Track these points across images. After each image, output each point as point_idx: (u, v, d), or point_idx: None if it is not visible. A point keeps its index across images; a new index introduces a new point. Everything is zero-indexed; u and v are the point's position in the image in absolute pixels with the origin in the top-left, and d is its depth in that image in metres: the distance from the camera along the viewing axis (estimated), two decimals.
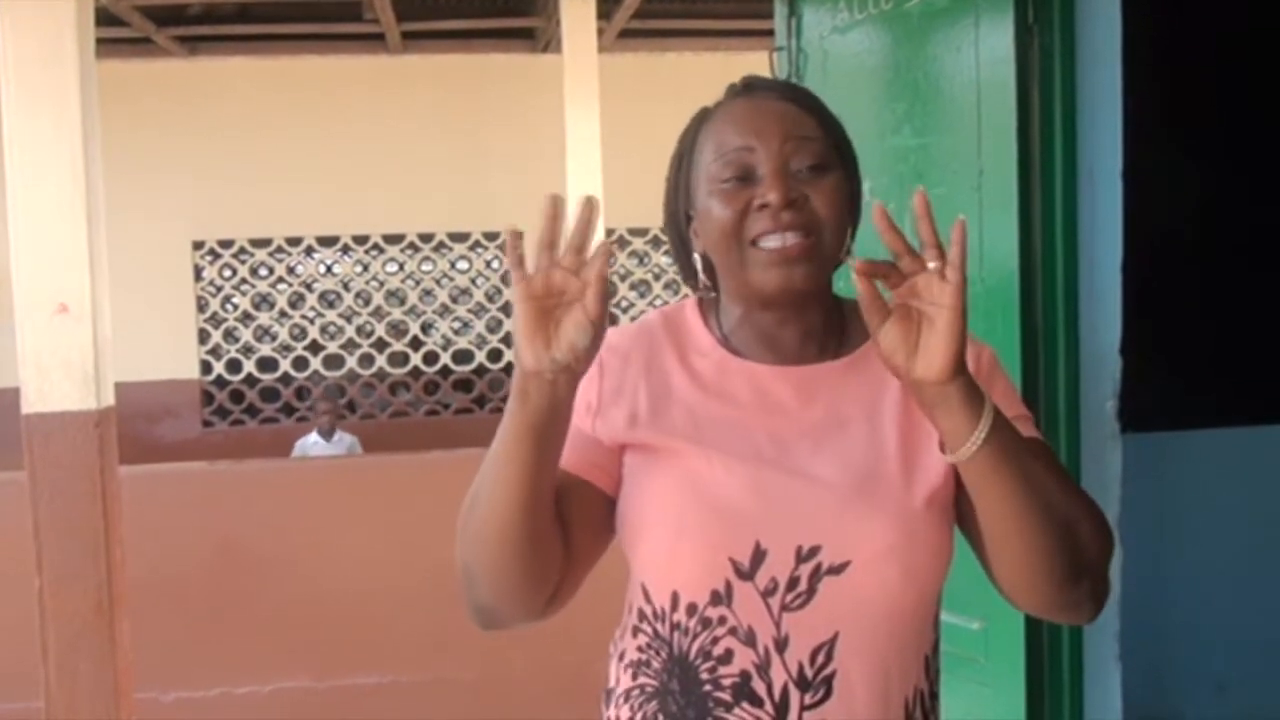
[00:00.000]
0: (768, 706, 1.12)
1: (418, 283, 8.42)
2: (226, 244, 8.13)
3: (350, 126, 7.92)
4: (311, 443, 6.67)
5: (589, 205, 1.03)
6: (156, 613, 3.86)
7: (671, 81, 6.92)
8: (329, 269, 8.41)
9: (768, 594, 1.12)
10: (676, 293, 8.32)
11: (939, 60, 2.25)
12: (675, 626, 1.15)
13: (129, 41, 7.21)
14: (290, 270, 8.31)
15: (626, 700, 1.20)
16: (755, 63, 2.60)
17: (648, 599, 1.18)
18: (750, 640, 1.12)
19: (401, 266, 8.40)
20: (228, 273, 8.21)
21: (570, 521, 1.15)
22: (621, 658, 1.22)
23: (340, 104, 7.94)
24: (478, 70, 8.01)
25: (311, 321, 8.34)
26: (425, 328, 8.47)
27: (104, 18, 5.34)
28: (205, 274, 8.19)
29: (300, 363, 8.33)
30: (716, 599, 1.13)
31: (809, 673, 1.12)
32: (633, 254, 8.54)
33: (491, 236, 8.36)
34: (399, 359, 8.47)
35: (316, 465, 5.49)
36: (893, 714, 1.15)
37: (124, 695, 3.10)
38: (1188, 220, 2.08)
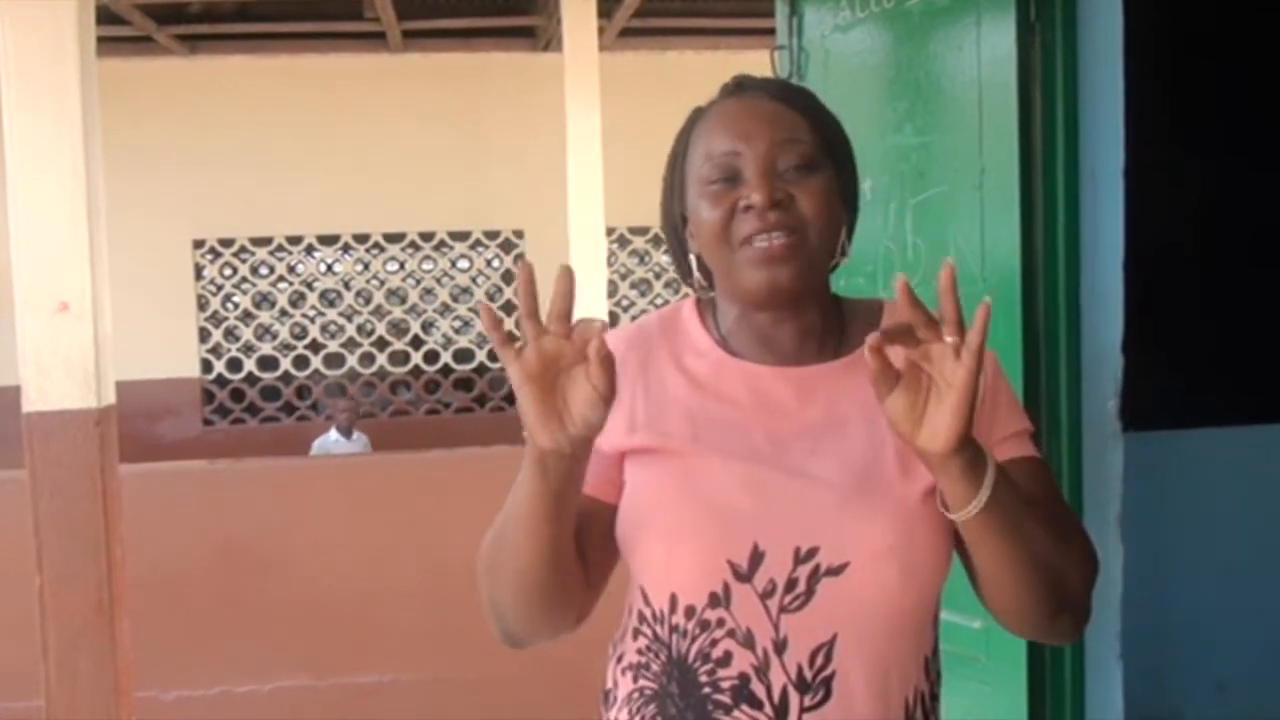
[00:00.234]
0: (767, 709, 1.12)
1: (418, 281, 8.41)
2: (227, 242, 8.14)
3: (351, 125, 7.92)
4: (333, 441, 6.73)
5: (566, 276, 1.03)
6: (157, 611, 3.86)
7: (672, 80, 6.92)
8: (330, 267, 8.41)
9: (766, 596, 1.12)
10: (677, 291, 8.32)
11: (940, 59, 2.24)
12: (674, 629, 1.15)
13: (129, 40, 7.21)
14: (291, 269, 8.31)
15: (626, 703, 1.20)
16: (756, 61, 2.60)
17: (646, 601, 1.18)
18: (749, 642, 1.12)
19: (402, 265, 8.40)
20: (228, 271, 8.21)
21: (588, 540, 1.16)
22: (620, 660, 1.22)
23: (341, 102, 7.94)
24: (478, 69, 8.01)
25: (312, 320, 8.34)
26: (426, 326, 8.47)
27: (105, 16, 5.34)
28: (206, 272, 8.19)
29: (301, 361, 8.33)
30: (715, 601, 1.13)
31: (808, 674, 1.12)
32: (633, 253, 8.54)
33: (492, 235, 8.36)
34: (400, 358, 8.47)
35: (317, 464, 5.50)
36: (892, 715, 1.14)
37: (124, 694, 3.10)
38: (1189, 219, 2.07)
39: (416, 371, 8.47)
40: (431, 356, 8.46)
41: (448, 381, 8.48)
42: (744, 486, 1.14)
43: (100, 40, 3.21)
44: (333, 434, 6.79)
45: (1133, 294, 2.03)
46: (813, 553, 1.12)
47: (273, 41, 7.55)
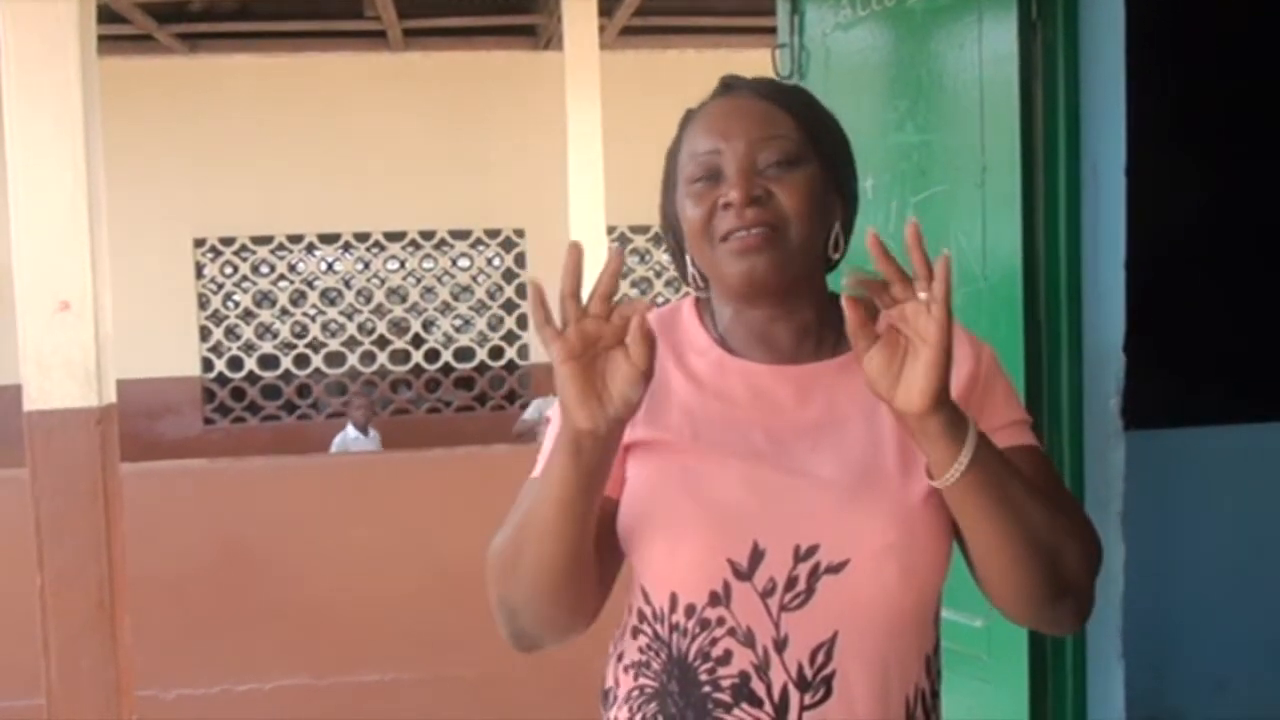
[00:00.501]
0: (767, 707, 1.12)
1: (419, 280, 8.42)
2: (228, 241, 8.14)
3: (352, 124, 7.92)
4: (352, 438, 6.77)
5: (618, 255, 1.02)
6: (157, 610, 3.86)
7: (673, 79, 6.91)
8: (330, 266, 8.41)
9: (766, 594, 1.12)
10: (678, 290, 8.32)
11: (942, 57, 2.24)
12: (674, 628, 1.15)
13: (130, 38, 7.21)
14: (291, 267, 8.31)
15: (626, 701, 1.20)
16: (757, 60, 2.60)
17: (647, 600, 1.18)
18: (749, 641, 1.12)
19: (403, 264, 8.40)
20: (229, 270, 8.21)
21: (599, 538, 1.15)
22: (621, 659, 1.22)
23: (342, 101, 7.94)
24: (479, 67, 8.01)
25: (313, 319, 8.34)
26: (427, 325, 8.47)
27: (105, 14, 5.34)
28: (206, 271, 8.19)
29: (301, 360, 8.33)
30: (715, 600, 1.13)
31: (808, 673, 1.12)
32: (634, 251, 8.54)
33: (493, 234, 8.36)
34: (400, 356, 8.47)
35: (318, 463, 5.49)
36: (893, 713, 1.14)
37: (125, 693, 3.11)
38: (1191, 217, 2.07)
39: (417, 370, 8.47)
40: (432, 355, 8.46)
41: (448, 380, 8.48)
42: (743, 485, 1.14)
43: (101, 39, 3.21)
44: (350, 431, 6.83)
45: (1134, 292, 2.03)
46: (813, 551, 1.11)
47: (273, 40, 7.56)
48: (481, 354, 8.49)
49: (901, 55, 2.34)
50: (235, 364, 8.25)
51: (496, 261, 8.46)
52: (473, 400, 8.49)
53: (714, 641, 1.13)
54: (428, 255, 8.38)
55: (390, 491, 4.50)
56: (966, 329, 1.24)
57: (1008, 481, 1.08)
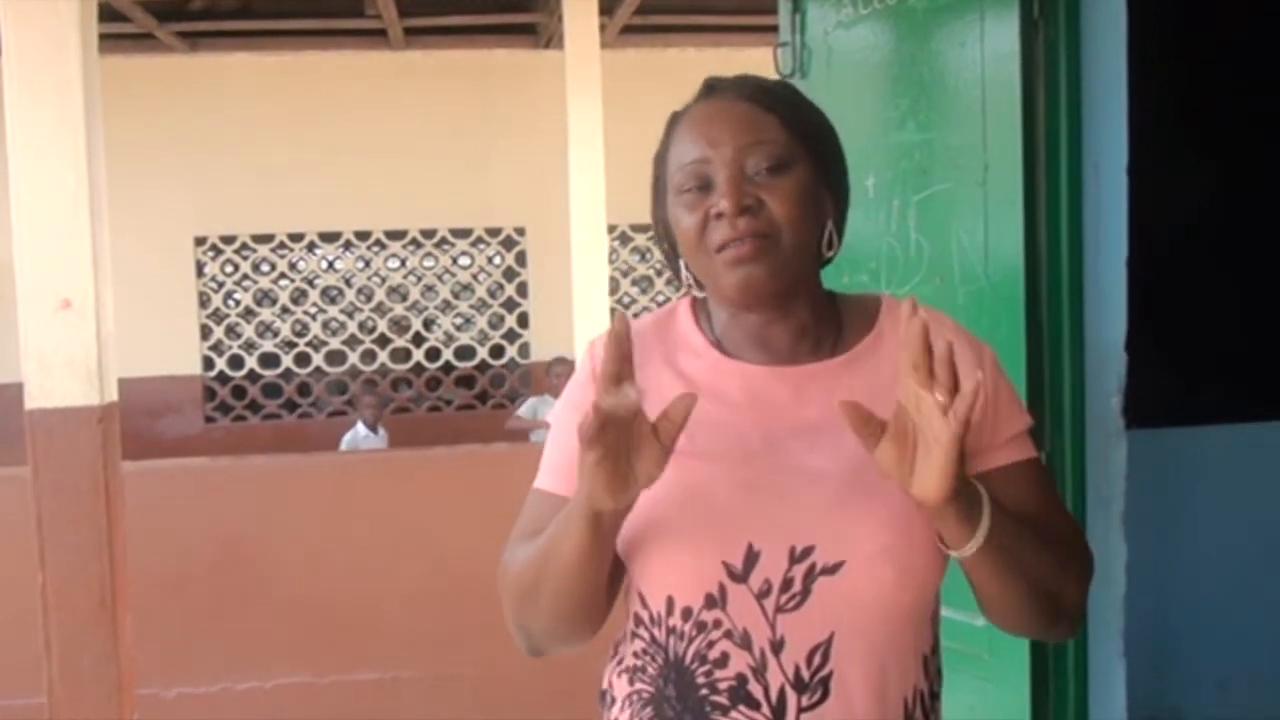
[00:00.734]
0: (765, 709, 1.11)
1: (420, 279, 8.42)
2: (229, 240, 8.14)
3: (352, 122, 7.92)
4: (363, 435, 6.77)
5: (625, 340, 1.03)
6: (158, 608, 3.86)
7: (674, 77, 6.89)
8: (331, 265, 8.41)
9: (762, 596, 1.12)
10: (678, 288, 8.31)
11: (943, 55, 2.24)
12: (671, 631, 1.15)
13: (131, 37, 7.21)
14: (292, 266, 8.31)
15: (624, 705, 1.20)
16: (758, 58, 2.60)
17: (644, 604, 1.18)
18: (746, 643, 1.12)
19: (403, 262, 8.40)
20: (230, 268, 8.21)
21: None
22: (620, 662, 1.22)
23: (342, 100, 7.94)
24: (480, 66, 8.01)
25: (313, 317, 8.34)
26: (427, 324, 8.47)
27: (106, 13, 5.34)
28: (207, 270, 8.19)
29: (302, 359, 8.34)
30: (711, 602, 1.12)
31: (805, 674, 1.12)
32: (635, 249, 8.54)
33: (494, 232, 8.36)
34: (401, 355, 8.47)
35: (318, 461, 5.49)
36: (891, 714, 1.14)
37: (126, 691, 3.11)
38: (1193, 216, 2.07)
39: (418, 369, 8.47)
40: (433, 353, 8.46)
41: (449, 379, 8.48)
42: (738, 487, 1.14)
43: (102, 37, 3.21)
44: (360, 429, 6.83)
45: (1136, 291, 2.03)
46: (808, 552, 1.11)
47: (274, 39, 7.55)
48: (482, 352, 8.49)
49: (903, 53, 2.34)
50: (236, 362, 8.25)
51: (497, 260, 8.46)
52: (474, 399, 8.49)
53: (711, 644, 1.13)
54: (428, 253, 8.38)
55: (391, 490, 4.50)
56: (965, 329, 1.24)
57: (1018, 542, 1.11)
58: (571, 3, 6.29)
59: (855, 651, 1.12)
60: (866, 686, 1.13)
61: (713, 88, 1.22)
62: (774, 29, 2.71)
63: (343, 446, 6.79)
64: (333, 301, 8.37)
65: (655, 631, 1.16)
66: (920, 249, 2.30)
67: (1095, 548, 2.08)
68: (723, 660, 1.12)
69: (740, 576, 1.12)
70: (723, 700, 1.12)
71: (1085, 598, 1.20)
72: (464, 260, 8.44)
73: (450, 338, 8.48)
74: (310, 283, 8.34)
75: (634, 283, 8.61)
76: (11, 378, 3.39)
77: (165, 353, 7.93)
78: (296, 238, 8.20)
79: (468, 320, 8.51)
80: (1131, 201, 2.02)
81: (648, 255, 8.57)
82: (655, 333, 1.25)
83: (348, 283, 8.37)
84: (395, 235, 8.29)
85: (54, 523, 3.01)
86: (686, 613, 1.14)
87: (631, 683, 1.19)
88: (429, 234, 8.30)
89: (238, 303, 8.26)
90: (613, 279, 8.03)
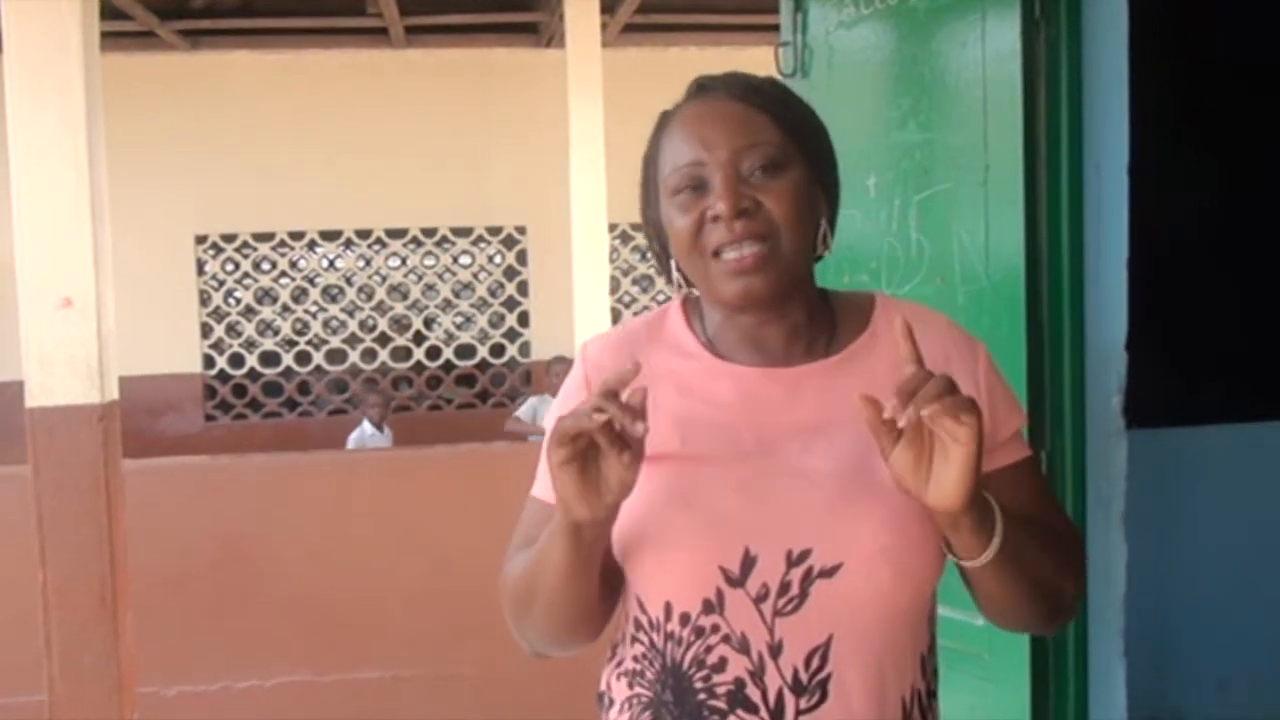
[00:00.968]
0: (763, 713, 1.11)
1: (420, 277, 8.42)
2: (229, 238, 8.14)
3: (353, 121, 7.92)
4: (369, 434, 6.78)
5: (637, 368, 1.04)
6: (159, 607, 3.86)
7: (675, 76, 6.86)
8: (331, 263, 8.41)
9: (759, 600, 1.11)
10: (680, 287, 8.29)
11: (945, 55, 2.24)
12: (669, 636, 1.15)
13: (132, 35, 7.21)
14: (293, 264, 8.31)
15: (622, 708, 1.20)
16: (760, 57, 2.60)
17: (642, 609, 1.18)
18: (744, 647, 1.12)
19: (404, 261, 8.40)
20: (230, 267, 8.21)
21: (605, 557, 1.16)
22: (619, 665, 1.22)
23: (343, 98, 7.94)
24: (481, 65, 8.00)
25: (314, 316, 8.34)
26: (428, 322, 8.47)
27: (107, 11, 5.34)
28: (208, 268, 8.19)
29: (303, 357, 8.34)
30: (709, 608, 1.12)
31: (804, 677, 1.11)
32: (635, 249, 8.54)
33: (495, 231, 8.35)
34: (401, 354, 8.47)
35: (319, 459, 5.49)
36: (889, 714, 1.14)
37: (127, 689, 3.11)
38: (1194, 216, 2.07)
39: (419, 367, 8.47)
40: (434, 352, 8.47)
41: (449, 377, 8.48)
42: (734, 491, 1.13)
43: (103, 35, 3.21)
44: (367, 427, 6.84)
45: (1137, 291, 2.03)
46: (805, 555, 1.11)
47: (275, 37, 7.55)
48: (483, 351, 8.49)
49: (904, 53, 2.34)
50: (237, 361, 8.25)
51: (498, 259, 8.46)
52: (474, 397, 8.49)
53: (709, 649, 1.13)
54: (429, 252, 8.38)
55: (392, 489, 4.50)
56: (958, 327, 1.24)
57: (1025, 548, 1.11)
58: (573, 2, 6.29)
59: (853, 653, 1.12)
60: (865, 688, 1.12)
61: (703, 87, 1.21)
62: (775, 28, 2.71)
63: (349, 446, 6.80)
64: (333, 300, 8.37)
65: (654, 636, 1.16)
66: (921, 249, 2.30)
67: (1095, 548, 2.10)
68: (721, 665, 1.12)
69: (738, 581, 1.11)
70: (721, 705, 1.12)
71: (1082, 592, 1.22)
72: (465, 259, 8.44)
73: (451, 336, 8.48)
74: (311, 281, 8.34)
75: (634, 281, 8.61)
76: (12, 376, 3.39)
77: (166, 351, 7.93)
78: (297, 236, 8.20)
79: (468, 319, 8.51)
80: (1132, 201, 2.02)
81: (648, 254, 8.55)
82: (648, 335, 1.24)
83: (348, 281, 8.37)
84: (396, 234, 8.29)
85: (55, 521, 3.01)
86: (684, 618, 1.14)
87: (631, 686, 1.19)
88: (430, 232, 8.30)
89: (238, 301, 8.26)
90: (613, 278, 8.03)
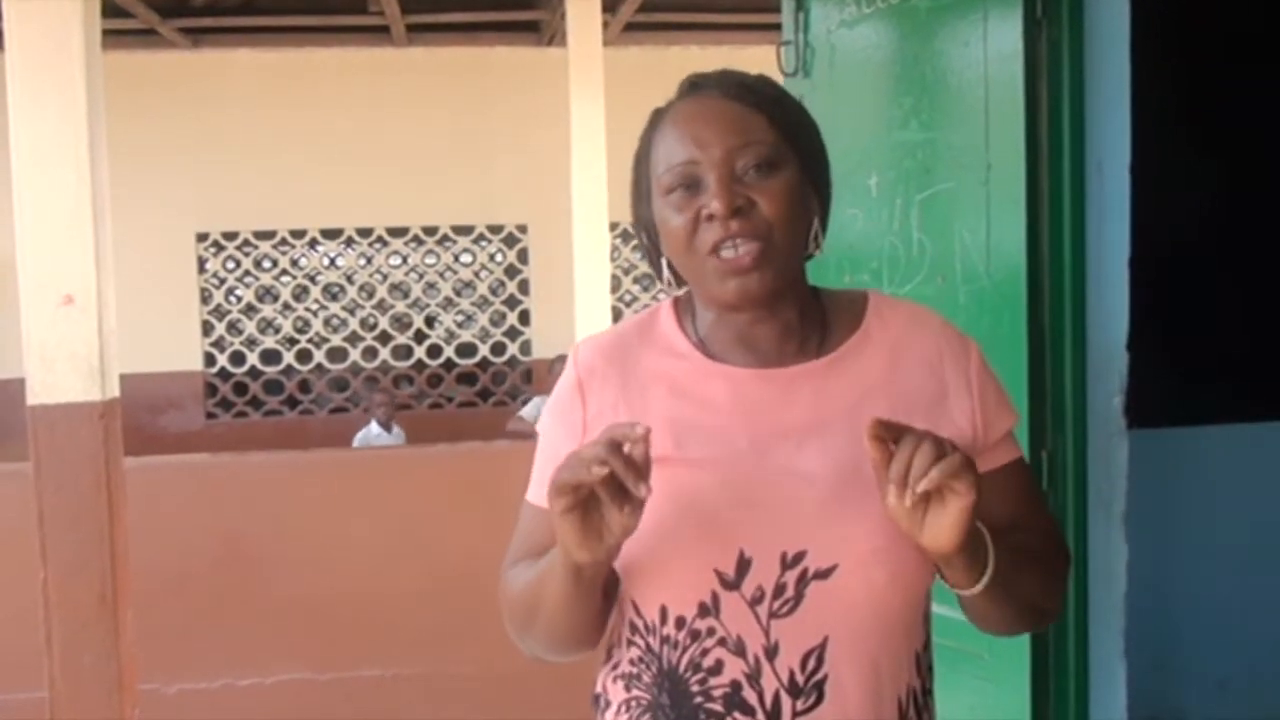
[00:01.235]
0: (759, 715, 1.11)
1: (421, 276, 8.42)
2: (230, 236, 8.14)
3: (355, 119, 7.91)
4: (375, 434, 6.77)
5: (648, 440, 1.03)
6: (160, 604, 3.86)
7: (677, 75, 6.86)
8: (333, 262, 8.41)
9: (755, 602, 1.11)
10: (671, 286, 8.29)
11: (947, 54, 2.24)
12: (665, 640, 1.15)
13: (134, 33, 7.21)
14: (294, 263, 8.31)
15: (619, 711, 1.20)
16: (761, 57, 2.59)
17: (638, 612, 1.18)
18: (740, 650, 1.12)
19: (405, 259, 8.40)
20: (231, 265, 8.21)
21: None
22: (615, 667, 1.22)
23: (345, 97, 7.93)
24: (482, 64, 8.00)
25: (315, 314, 8.34)
26: (429, 321, 8.47)
27: (109, 9, 5.34)
28: (209, 266, 8.19)
29: (304, 355, 8.34)
30: (704, 611, 1.12)
31: (800, 679, 1.11)
32: (636, 248, 8.53)
33: (496, 230, 8.35)
34: (402, 352, 8.47)
35: (319, 458, 5.49)
36: (885, 714, 1.14)
37: (127, 687, 3.11)
38: (1196, 215, 2.07)
39: (420, 366, 8.47)
40: (434, 351, 8.46)
41: (450, 376, 8.48)
42: (728, 493, 1.13)
43: (105, 33, 3.21)
44: (374, 428, 6.83)
45: (1138, 290, 2.03)
46: (800, 557, 1.11)
47: (277, 35, 7.55)
48: (484, 350, 8.49)
49: (906, 52, 2.34)
50: (237, 359, 8.25)
51: (499, 257, 8.46)
52: (475, 396, 8.48)
53: (705, 652, 1.13)
54: (430, 251, 8.38)
55: (392, 487, 4.50)
56: (951, 326, 1.23)
57: (1015, 572, 1.12)
58: (574, 1, 6.29)
59: (849, 654, 1.12)
60: (861, 688, 1.13)
61: (696, 85, 1.20)
62: (777, 28, 2.71)
63: (355, 446, 6.79)
64: (334, 298, 8.37)
65: (650, 640, 1.16)
66: (922, 248, 2.30)
67: (1095, 548, 2.10)
68: (717, 668, 1.12)
69: (733, 584, 1.11)
70: (717, 708, 1.12)
71: (1065, 596, 1.25)
72: (466, 257, 8.44)
73: (452, 335, 8.48)
74: (312, 279, 8.34)
75: (635, 280, 8.60)
76: (13, 373, 3.38)
77: (167, 349, 7.93)
78: (298, 234, 8.20)
79: (469, 317, 8.51)
80: (1134, 201, 2.02)
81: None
82: (639, 337, 1.24)
83: (349, 279, 8.37)
84: (397, 232, 8.28)
85: (55, 518, 3.01)
86: (680, 622, 1.14)
87: (628, 689, 1.19)
88: (431, 231, 8.30)
89: (239, 299, 8.26)
90: (615, 276, 8.03)
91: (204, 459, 5.36)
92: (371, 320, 8.40)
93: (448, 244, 8.37)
